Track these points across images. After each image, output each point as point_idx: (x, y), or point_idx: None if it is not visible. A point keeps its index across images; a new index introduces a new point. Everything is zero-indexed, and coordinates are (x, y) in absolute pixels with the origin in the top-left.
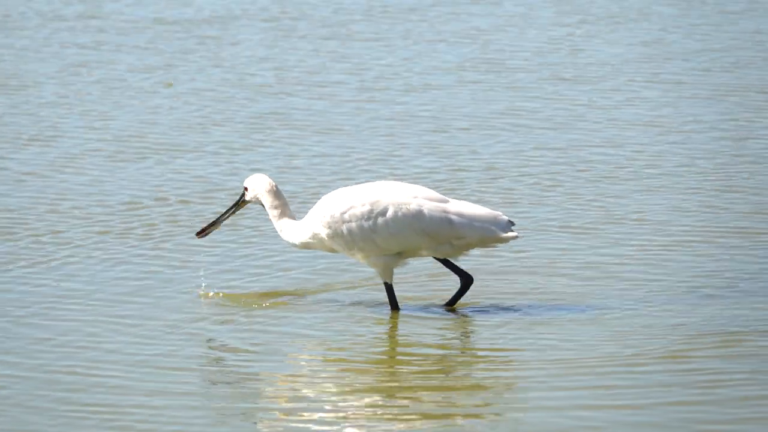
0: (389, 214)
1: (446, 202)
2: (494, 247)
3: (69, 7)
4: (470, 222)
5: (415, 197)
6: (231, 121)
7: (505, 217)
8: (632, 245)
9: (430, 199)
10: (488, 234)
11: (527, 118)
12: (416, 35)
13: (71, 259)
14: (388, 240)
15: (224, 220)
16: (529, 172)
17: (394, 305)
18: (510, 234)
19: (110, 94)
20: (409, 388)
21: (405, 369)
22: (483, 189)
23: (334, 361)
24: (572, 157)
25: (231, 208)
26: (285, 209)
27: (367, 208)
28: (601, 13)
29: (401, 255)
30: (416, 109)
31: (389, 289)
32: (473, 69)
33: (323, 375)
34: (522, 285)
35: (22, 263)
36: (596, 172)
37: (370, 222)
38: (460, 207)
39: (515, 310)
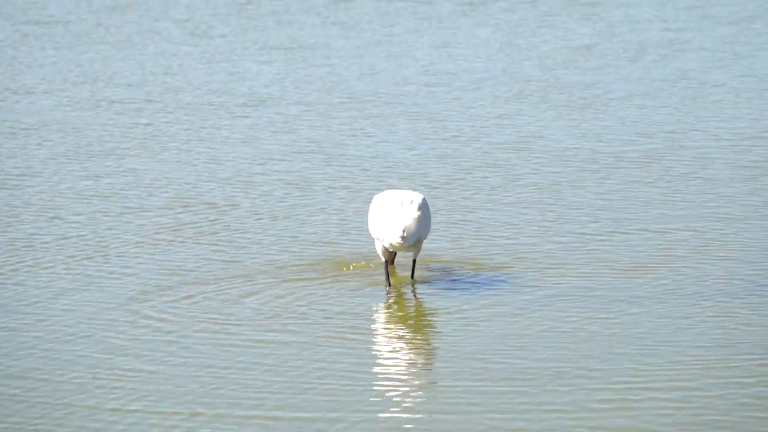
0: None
1: (399, 208)
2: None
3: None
4: (372, 226)
5: (387, 197)
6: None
7: (399, 238)
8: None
9: (393, 203)
10: (380, 238)
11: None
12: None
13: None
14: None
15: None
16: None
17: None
18: (392, 244)
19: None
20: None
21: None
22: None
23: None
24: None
25: None
26: None
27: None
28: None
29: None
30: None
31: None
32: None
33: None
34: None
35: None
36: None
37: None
38: (382, 211)
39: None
